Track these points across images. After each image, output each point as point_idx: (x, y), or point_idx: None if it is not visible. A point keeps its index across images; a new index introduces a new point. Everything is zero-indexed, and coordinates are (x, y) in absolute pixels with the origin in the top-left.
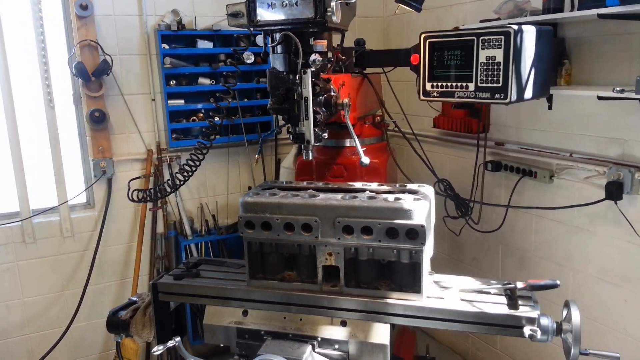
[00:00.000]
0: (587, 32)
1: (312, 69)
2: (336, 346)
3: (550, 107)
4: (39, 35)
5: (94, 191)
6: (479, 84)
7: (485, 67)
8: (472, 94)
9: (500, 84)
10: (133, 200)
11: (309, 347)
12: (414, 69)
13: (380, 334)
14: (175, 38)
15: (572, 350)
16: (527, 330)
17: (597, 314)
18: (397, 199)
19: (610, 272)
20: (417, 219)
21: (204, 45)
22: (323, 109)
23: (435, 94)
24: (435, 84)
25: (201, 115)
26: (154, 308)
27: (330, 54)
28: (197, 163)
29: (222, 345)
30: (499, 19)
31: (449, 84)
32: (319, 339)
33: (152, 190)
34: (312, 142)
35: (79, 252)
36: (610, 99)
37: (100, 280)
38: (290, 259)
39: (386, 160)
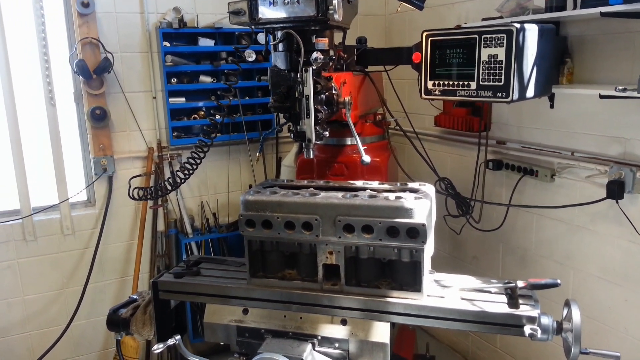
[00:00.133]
0: (589, 30)
1: (314, 67)
2: (336, 345)
3: (552, 106)
4: (40, 32)
5: (94, 189)
6: (480, 83)
7: (487, 65)
8: (474, 93)
9: (502, 83)
10: (134, 198)
11: (309, 346)
12: (415, 67)
13: (381, 332)
14: (177, 36)
15: (573, 350)
16: (527, 329)
17: (597, 313)
18: (398, 197)
19: (611, 271)
20: (418, 218)
21: (206, 43)
22: (324, 107)
23: (436, 92)
24: (437, 82)
25: (202, 113)
26: (154, 306)
27: (331, 52)
28: (198, 161)
29: (222, 343)
30: (501, 17)
31: (451, 83)
32: (319, 337)
33: (152, 188)
34: (313, 140)
35: (80, 250)
36: (612, 98)
37: (100, 278)
38: (291, 257)
39: (387, 159)
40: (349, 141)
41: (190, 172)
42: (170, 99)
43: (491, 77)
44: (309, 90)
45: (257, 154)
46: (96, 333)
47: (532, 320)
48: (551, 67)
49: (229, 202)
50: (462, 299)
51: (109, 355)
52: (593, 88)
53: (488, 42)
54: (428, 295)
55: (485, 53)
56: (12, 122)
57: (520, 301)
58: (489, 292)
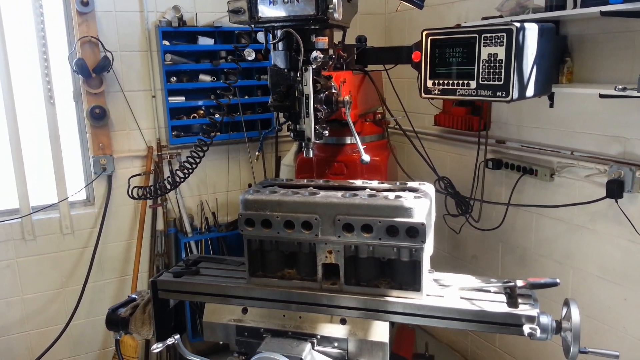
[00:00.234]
0: (589, 29)
1: (313, 66)
2: (335, 344)
3: (551, 105)
4: (39, 31)
5: (94, 188)
6: (480, 82)
7: (487, 64)
8: (474, 92)
9: (501, 82)
10: (133, 198)
11: (309, 345)
12: (415, 67)
13: (380, 331)
14: (176, 35)
15: (572, 349)
16: (526, 329)
17: (596, 312)
18: (397, 197)
19: (611, 271)
20: (418, 217)
21: (205, 42)
22: (324, 106)
23: (436, 91)
24: (436, 81)
25: (202, 112)
26: (154, 305)
27: (331, 51)
28: (198, 160)
29: (221, 342)
30: (501, 16)
31: (451, 82)
32: (319, 336)
33: (152, 188)
34: (313, 139)
35: (79, 249)
36: (612, 97)
37: (99, 277)
38: (290, 256)
39: (387, 158)
40: (348, 140)
41: (190, 171)
42: (169, 98)
43: (491, 77)
44: (309, 89)
45: (257, 153)
46: (95, 332)
47: (531, 319)
48: (551, 66)
49: (228, 202)
50: (462, 298)
51: (108, 355)
52: (593, 87)
53: (488, 41)
54: (427, 295)
55: (485, 52)
56: (11, 121)
57: (520, 300)
58: (488, 291)
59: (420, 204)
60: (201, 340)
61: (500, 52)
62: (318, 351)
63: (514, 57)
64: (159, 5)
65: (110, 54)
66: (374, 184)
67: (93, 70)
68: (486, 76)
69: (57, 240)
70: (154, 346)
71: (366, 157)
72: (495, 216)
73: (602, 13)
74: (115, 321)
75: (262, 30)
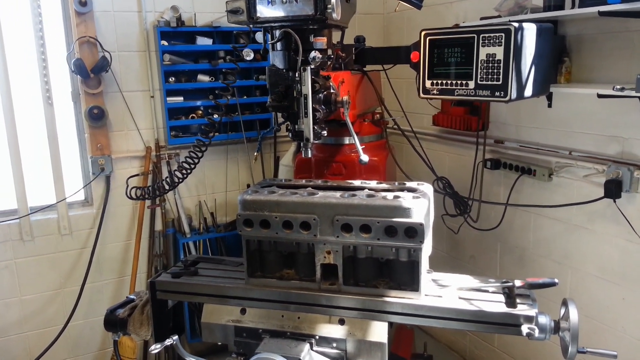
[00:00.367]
0: (587, 29)
1: (312, 66)
2: (334, 344)
3: (550, 105)
4: (37, 31)
5: (92, 189)
6: (479, 82)
7: (485, 64)
8: (472, 92)
9: (500, 82)
10: (131, 198)
11: (307, 346)
12: (413, 67)
13: (378, 332)
14: (175, 35)
15: (570, 349)
16: (525, 329)
17: (595, 312)
18: (396, 197)
19: (609, 271)
20: (416, 217)
21: (204, 42)
22: (322, 106)
23: (435, 91)
24: (435, 81)
25: (200, 112)
26: (152, 306)
27: (330, 51)
28: (196, 160)
29: (220, 343)
30: (499, 16)
31: (449, 82)
32: (317, 337)
33: (150, 188)
34: (311, 139)
35: (77, 250)
36: (610, 97)
37: (98, 278)
38: (289, 257)
39: (385, 158)
40: (347, 140)
41: (188, 171)
42: (168, 98)
43: (489, 77)
44: (307, 89)
45: (255, 154)
46: (94, 333)
47: (529, 319)
48: (549, 66)
49: (226, 202)
50: (460, 298)
51: (107, 356)
52: (591, 87)
53: (486, 41)
54: (426, 295)
55: (483, 52)
56: (9, 122)
57: (518, 300)
58: (487, 291)
59: (419, 204)
60: (200, 341)
61: (499, 52)
62: (317, 352)
63: (513, 57)
64: (157, 5)
65: (108, 54)
66: (373, 184)
67: (91, 71)
68: (484, 76)
69: (55, 241)
70: (153, 347)
71: (365, 158)
72: (493, 216)
73: (600, 13)
74: (114, 322)
75: (261, 30)
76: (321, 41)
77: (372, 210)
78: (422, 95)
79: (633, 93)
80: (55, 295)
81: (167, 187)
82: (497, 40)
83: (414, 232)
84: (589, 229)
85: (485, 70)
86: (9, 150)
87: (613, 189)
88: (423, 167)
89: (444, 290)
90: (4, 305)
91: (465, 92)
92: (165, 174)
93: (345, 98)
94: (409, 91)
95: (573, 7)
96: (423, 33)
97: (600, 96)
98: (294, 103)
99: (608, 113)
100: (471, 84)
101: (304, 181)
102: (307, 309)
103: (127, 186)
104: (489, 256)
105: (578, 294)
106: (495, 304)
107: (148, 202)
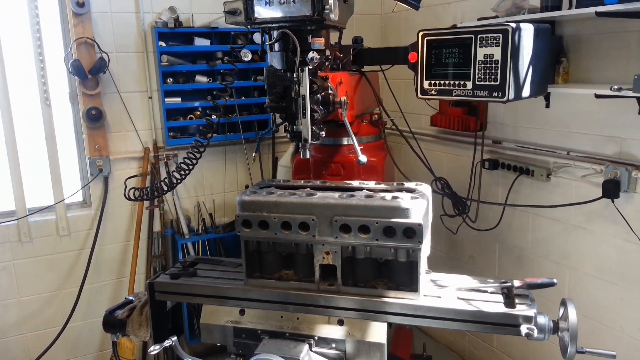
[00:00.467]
0: (585, 30)
1: (310, 67)
2: (333, 345)
3: (547, 106)
4: (35, 32)
5: (90, 190)
6: (476, 82)
7: (483, 65)
8: (470, 92)
9: (498, 82)
10: (130, 199)
11: (306, 346)
12: (411, 67)
13: (377, 332)
14: (172, 35)
15: (569, 349)
16: (523, 329)
17: (593, 312)
18: (394, 197)
19: (607, 271)
20: (415, 218)
21: (201, 42)
22: (320, 107)
23: (433, 92)
24: (433, 82)
25: (198, 113)
26: (151, 307)
27: (327, 52)
28: (194, 161)
29: (219, 344)
30: (497, 17)
31: (447, 82)
32: (316, 338)
33: (148, 189)
34: (310, 140)
35: (76, 251)
36: (608, 97)
37: (96, 279)
38: (288, 257)
39: (384, 159)
40: (345, 141)
41: (187, 172)
42: (166, 99)
43: (487, 77)
44: (305, 90)
45: (254, 154)
46: (92, 334)
47: (528, 319)
48: (547, 66)
49: (225, 203)
50: (459, 298)
51: (106, 357)
52: (588, 87)
53: (484, 41)
54: (425, 295)
55: (481, 53)
56: (7, 123)
57: (517, 301)
58: (486, 291)
59: (417, 205)
60: (198, 341)
61: (496, 52)
62: (316, 352)
63: (510, 57)
64: (154, 6)
65: (106, 55)
66: (371, 184)
67: (89, 72)
68: (482, 77)
69: (53, 242)
70: (152, 348)
71: (363, 158)
72: (492, 216)
73: (598, 13)
74: (113, 323)
75: (259, 31)
76: (319, 42)
77: (370, 210)
78: (420, 95)
79: (630, 93)
80: (53, 297)
81: (165, 188)
82: (495, 41)
83: (412, 233)
84: (587, 229)
85: (483, 71)
86: (7, 152)
87: (611, 189)
88: (421, 167)
89: (442, 291)
90: (2, 306)
91: (463, 92)
92: (163, 174)
93: (343, 99)
94: (407, 92)
95: (570, 7)
96: (421, 34)
97: (597, 96)
98: (292, 104)
99: (606, 113)
100: (469, 85)
101: (302, 182)
102: (306, 310)
103: (126, 187)
104: (487, 256)
105: (576, 294)
106: (494, 304)
107: (146, 203)
